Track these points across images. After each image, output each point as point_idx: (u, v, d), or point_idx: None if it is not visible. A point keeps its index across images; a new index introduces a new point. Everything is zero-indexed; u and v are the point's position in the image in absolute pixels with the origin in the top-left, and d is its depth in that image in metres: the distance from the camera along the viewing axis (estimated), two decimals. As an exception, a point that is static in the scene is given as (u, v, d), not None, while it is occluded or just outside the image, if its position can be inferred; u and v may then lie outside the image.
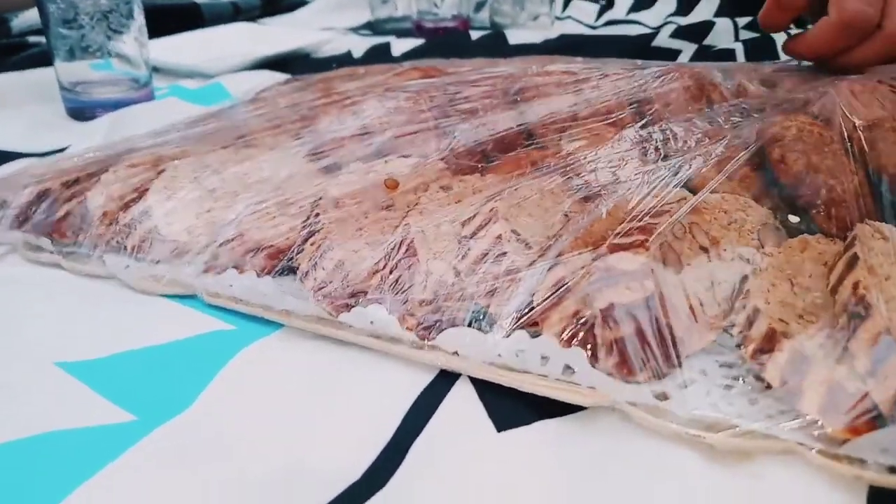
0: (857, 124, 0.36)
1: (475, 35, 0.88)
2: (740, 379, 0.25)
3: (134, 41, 0.58)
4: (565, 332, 0.25)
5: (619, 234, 0.29)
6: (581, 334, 0.25)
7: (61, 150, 0.53)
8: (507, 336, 0.26)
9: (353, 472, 0.24)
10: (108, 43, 0.56)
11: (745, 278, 0.30)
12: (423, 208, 0.34)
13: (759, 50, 0.72)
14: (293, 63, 0.78)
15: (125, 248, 0.35)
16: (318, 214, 0.34)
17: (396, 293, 0.29)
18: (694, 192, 0.38)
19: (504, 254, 0.29)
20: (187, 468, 0.24)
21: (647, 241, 0.28)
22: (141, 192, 0.38)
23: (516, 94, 0.49)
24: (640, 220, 0.30)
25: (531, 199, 0.35)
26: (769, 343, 0.25)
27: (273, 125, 0.47)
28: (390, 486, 0.23)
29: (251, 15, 1.02)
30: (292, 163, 0.41)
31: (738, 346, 0.26)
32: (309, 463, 0.24)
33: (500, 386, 0.26)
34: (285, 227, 0.35)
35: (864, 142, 0.36)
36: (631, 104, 0.48)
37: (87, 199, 0.38)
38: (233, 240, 0.34)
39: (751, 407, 0.24)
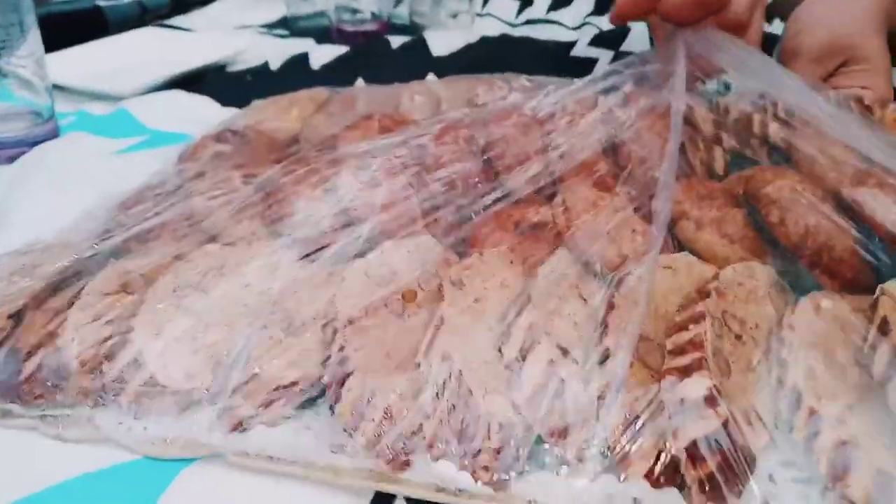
0: (844, 183, 0.39)
1: (396, 41, 0.86)
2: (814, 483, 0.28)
3: (34, 63, 0.54)
4: (653, 474, 0.27)
5: (672, 351, 0.30)
6: (670, 474, 0.27)
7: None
8: (593, 480, 0.27)
9: None
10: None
11: (782, 363, 0.32)
12: (449, 324, 0.34)
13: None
14: (206, 78, 0.76)
15: (119, 405, 0.33)
16: (342, 348, 0.33)
17: (460, 442, 0.29)
18: (697, 255, 0.41)
19: (562, 382, 0.30)
20: None
21: (703, 358, 0.29)
22: (121, 331, 0.35)
23: (486, 152, 0.49)
24: (686, 329, 0.31)
25: (554, 295, 0.36)
26: (842, 457, 0.27)
27: (237, 212, 0.45)
28: None
29: (159, 14, 0.97)
30: (282, 269, 0.39)
31: (808, 454, 0.28)
32: None
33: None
34: (299, 355, 0.34)
35: (852, 203, 0.39)
36: (606, 150, 0.50)
37: (58, 348, 0.34)
38: (246, 382, 0.33)
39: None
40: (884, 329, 0.31)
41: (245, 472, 0.31)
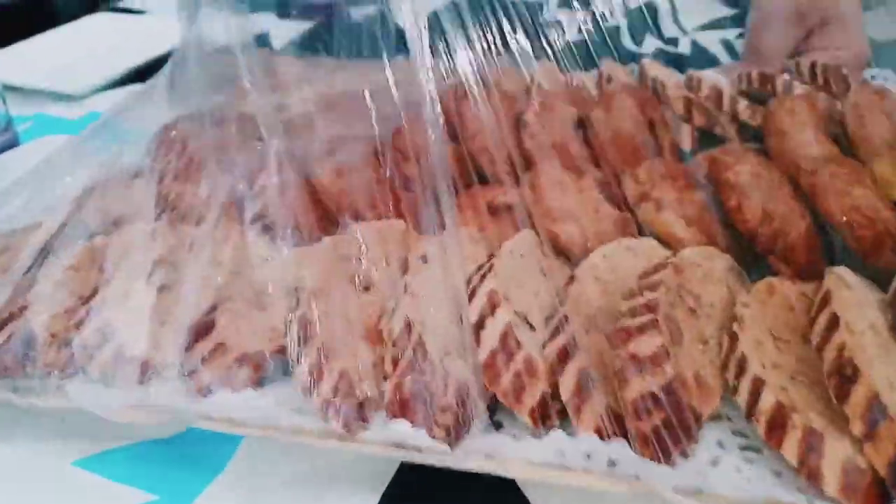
0: (802, 168, 0.42)
1: (358, 13, 0.86)
2: (759, 451, 0.29)
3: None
4: (602, 429, 0.28)
5: (626, 313, 0.32)
6: (617, 429, 0.28)
7: None
8: (543, 437, 0.29)
9: None
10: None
11: (733, 336, 0.34)
12: (413, 290, 0.36)
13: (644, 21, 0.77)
14: (163, 67, 0.74)
15: (87, 373, 0.34)
16: (304, 314, 0.34)
17: (417, 400, 0.30)
18: (657, 237, 0.42)
19: (519, 345, 0.32)
20: None
21: (656, 319, 0.31)
22: (86, 300, 0.36)
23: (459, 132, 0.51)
24: (641, 295, 0.33)
25: (516, 267, 0.38)
26: (779, 418, 0.29)
27: (208, 194, 0.46)
28: None
29: None
30: (252, 248, 0.41)
31: (748, 417, 0.30)
32: None
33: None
34: (264, 326, 0.36)
35: (810, 187, 0.41)
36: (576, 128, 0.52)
37: (27, 320, 0.36)
38: (212, 351, 0.34)
39: (777, 480, 0.28)
40: (826, 299, 0.33)
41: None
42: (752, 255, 0.42)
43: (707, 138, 0.54)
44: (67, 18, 0.85)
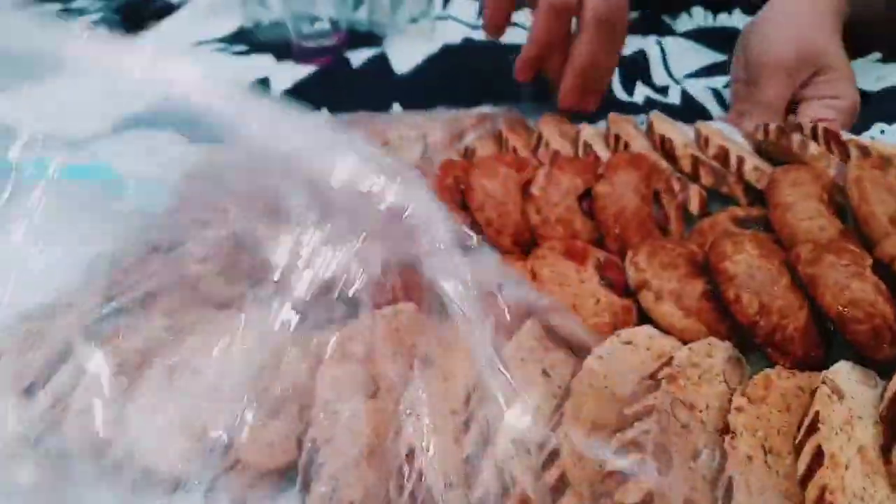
0: (801, 258, 0.42)
1: (356, 58, 0.85)
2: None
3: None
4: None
5: (616, 452, 0.33)
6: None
7: None
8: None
9: None
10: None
11: (724, 454, 0.35)
12: (416, 410, 0.37)
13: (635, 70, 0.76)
14: (166, 111, 0.73)
15: (117, 490, 0.37)
16: (314, 439, 0.36)
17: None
18: (657, 324, 0.43)
19: (514, 480, 0.33)
20: None
21: (643, 459, 0.32)
22: (118, 417, 0.39)
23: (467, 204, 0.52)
24: (632, 426, 0.34)
25: (515, 374, 0.39)
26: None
27: (224, 274, 0.48)
28: None
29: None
30: (265, 340, 0.43)
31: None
32: None
33: None
34: (277, 438, 0.38)
35: (808, 278, 0.41)
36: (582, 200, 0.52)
37: (61, 436, 0.38)
38: (229, 469, 0.37)
39: None
40: (813, 426, 0.34)
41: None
42: (752, 341, 0.43)
43: (714, 199, 0.54)
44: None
